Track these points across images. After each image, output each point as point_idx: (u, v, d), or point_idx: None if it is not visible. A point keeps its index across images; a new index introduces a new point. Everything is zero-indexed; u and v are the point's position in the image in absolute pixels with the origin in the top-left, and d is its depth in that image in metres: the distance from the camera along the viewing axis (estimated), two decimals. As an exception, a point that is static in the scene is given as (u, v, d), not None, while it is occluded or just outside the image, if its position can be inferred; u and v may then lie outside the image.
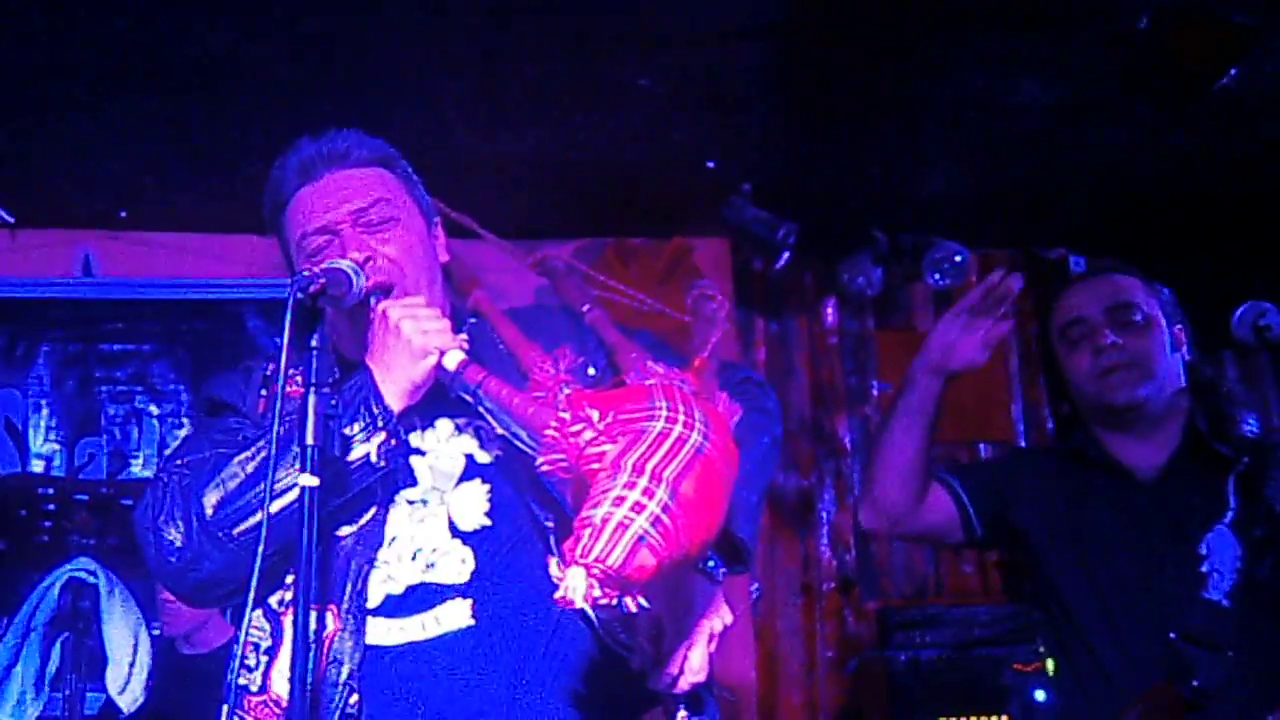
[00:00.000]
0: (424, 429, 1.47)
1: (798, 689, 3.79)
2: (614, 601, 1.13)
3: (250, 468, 1.35)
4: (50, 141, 3.15)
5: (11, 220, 3.65)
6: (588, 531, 1.12)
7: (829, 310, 3.97)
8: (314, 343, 1.25)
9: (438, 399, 1.43)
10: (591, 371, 1.53)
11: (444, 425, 1.49)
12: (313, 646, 1.22)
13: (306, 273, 1.29)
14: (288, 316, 1.24)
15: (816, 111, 2.91)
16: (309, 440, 1.21)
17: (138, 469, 3.67)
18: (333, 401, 1.27)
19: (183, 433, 3.70)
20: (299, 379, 1.51)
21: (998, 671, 3.28)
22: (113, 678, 2.01)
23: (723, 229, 3.46)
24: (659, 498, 1.15)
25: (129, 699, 2.02)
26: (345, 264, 1.35)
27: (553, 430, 1.26)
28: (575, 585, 1.11)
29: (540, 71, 2.66)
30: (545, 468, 1.27)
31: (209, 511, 1.33)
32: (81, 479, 3.02)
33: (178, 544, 1.35)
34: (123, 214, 3.63)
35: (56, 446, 3.65)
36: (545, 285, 2.39)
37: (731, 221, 3.08)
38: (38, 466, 3.64)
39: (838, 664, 3.79)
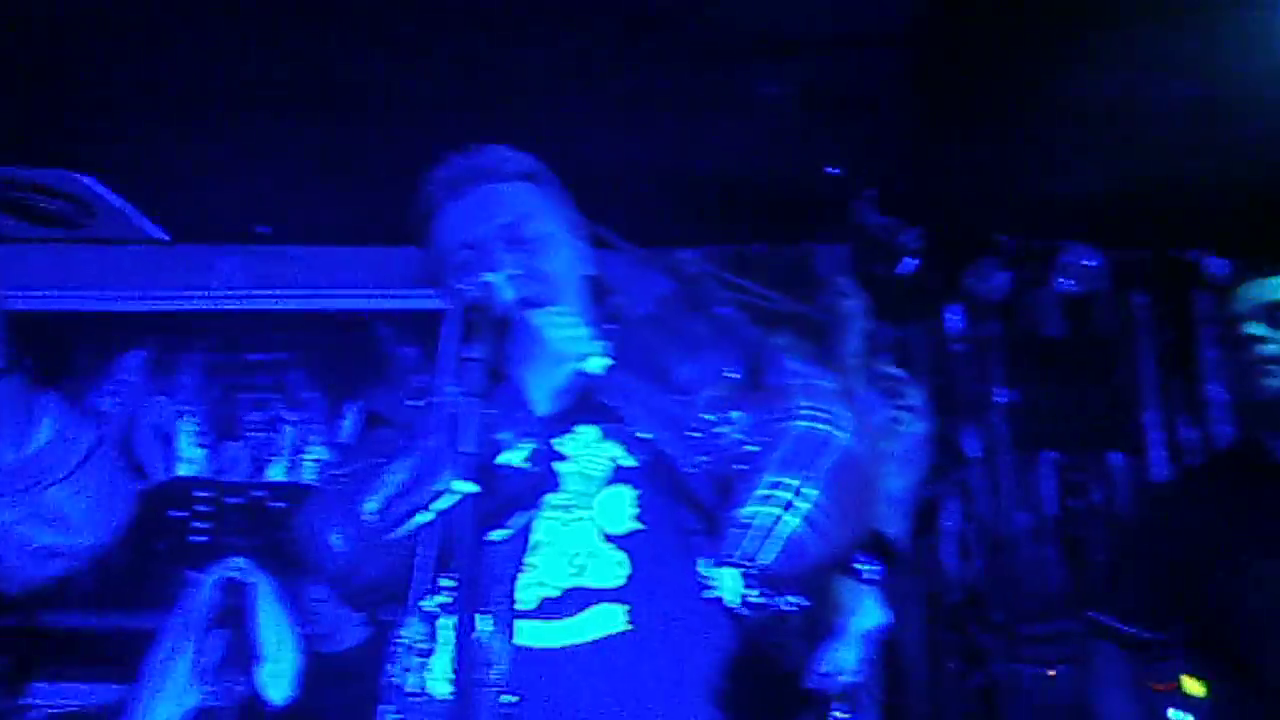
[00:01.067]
0: (568, 435, 1.51)
1: (922, 700, 3.73)
2: (768, 601, 1.14)
3: (405, 476, 1.40)
4: (200, 162, 3.31)
5: (167, 239, 3.85)
6: (738, 531, 1.14)
7: (953, 316, 3.90)
8: (470, 354, 1.29)
9: (581, 405, 1.47)
10: (731, 374, 1.55)
11: (588, 431, 1.52)
12: (470, 648, 1.25)
13: (464, 286, 1.33)
14: (448, 328, 1.29)
15: (945, 114, 2.87)
16: (466, 448, 1.25)
17: (276, 473, 3.83)
18: (488, 411, 1.31)
19: (317, 438, 3.85)
20: (451, 389, 1.58)
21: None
22: (264, 672, 2.10)
23: (843, 235, 3.45)
24: (809, 495, 1.16)
25: (279, 693, 2.10)
26: (497, 277, 1.40)
27: (698, 432, 1.28)
28: (728, 585, 1.13)
29: (671, 83, 2.69)
30: (691, 469, 1.29)
31: (369, 516, 1.39)
32: (235, 482, 3.15)
33: (339, 549, 1.41)
34: (264, 230, 3.80)
35: (202, 451, 3.84)
36: (668, 293, 2.42)
37: (854, 227, 3.06)
38: (185, 470, 3.83)
39: (962, 676, 3.71)
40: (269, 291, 3.89)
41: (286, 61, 2.74)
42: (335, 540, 1.40)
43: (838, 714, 1.44)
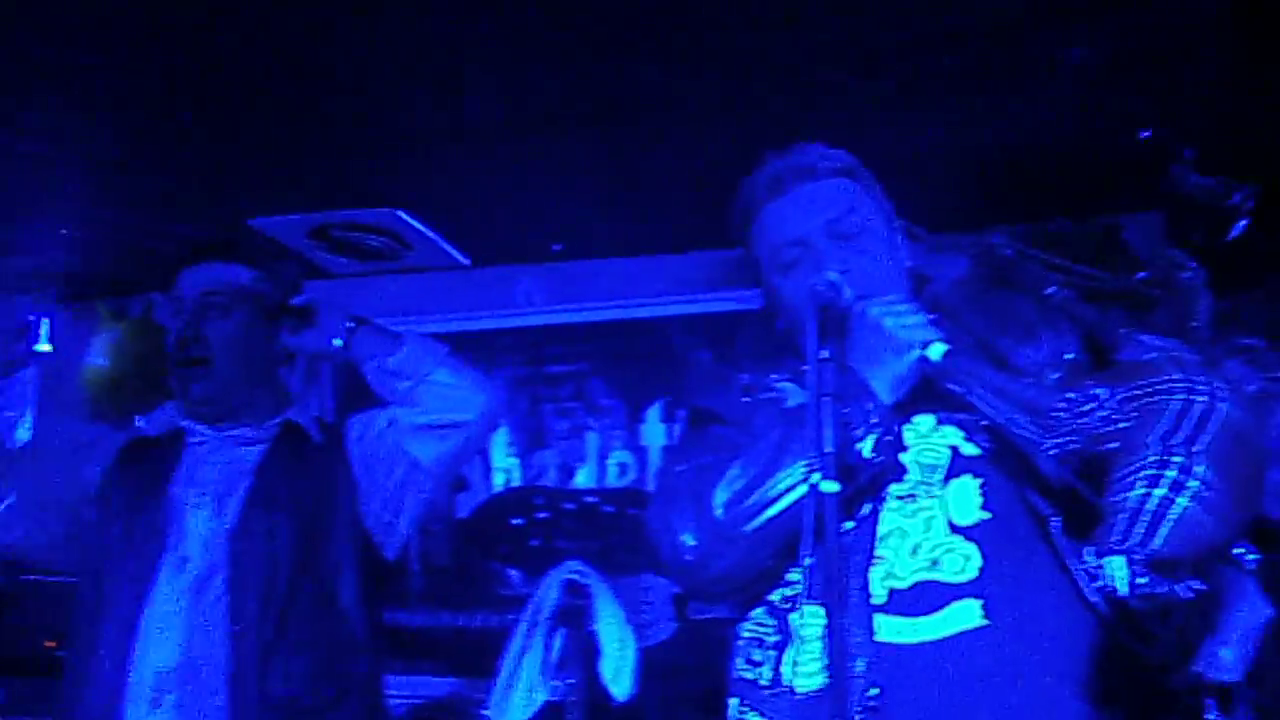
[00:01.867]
0: (907, 424, 1.49)
1: None
2: (1160, 588, 1.08)
3: (753, 470, 1.42)
4: (497, 188, 3.52)
5: (467, 263, 4.12)
6: (1124, 516, 1.08)
7: (1286, 282, 3.54)
8: (823, 352, 1.30)
9: (921, 394, 1.44)
10: (1068, 355, 1.48)
11: (924, 420, 1.49)
12: (836, 641, 1.26)
13: (819, 285, 1.35)
14: (811, 330, 1.31)
15: (1271, 57, 2.62)
16: (828, 447, 1.26)
17: (583, 478, 4.01)
18: (846, 409, 1.32)
19: (619, 443, 4.01)
20: (785, 384, 1.60)
21: None
22: (607, 667, 2.19)
23: (1156, 203, 3.21)
24: (1198, 474, 1.09)
25: (622, 688, 2.19)
26: (832, 275, 1.41)
27: (1060, 411, 1.23)
28: (1117, 574, 1.07)
29: (960, 60, 2.60)
30: (1053, 451, 1.24)
31: (719, 511, 1.42)
32: (570, 489, 3.33)
33: (690, 543, 1.44)
34: (557, 247, 3.99)
35: (514, 461, 4.07)
36: (984, 277, 2.33)
37: (1171, 193, 2.84)
38: (499, 480, 4.08)
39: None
40: (566, 305, 4.08)
41: (570, 83, 2.87)
42: (686, 537, 1.44)
43: (1210, 716, 1.33)
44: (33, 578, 3.37)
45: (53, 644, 3.45)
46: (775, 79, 2.81)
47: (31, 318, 4.52)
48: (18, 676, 3.50)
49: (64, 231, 3.93)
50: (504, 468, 4.08)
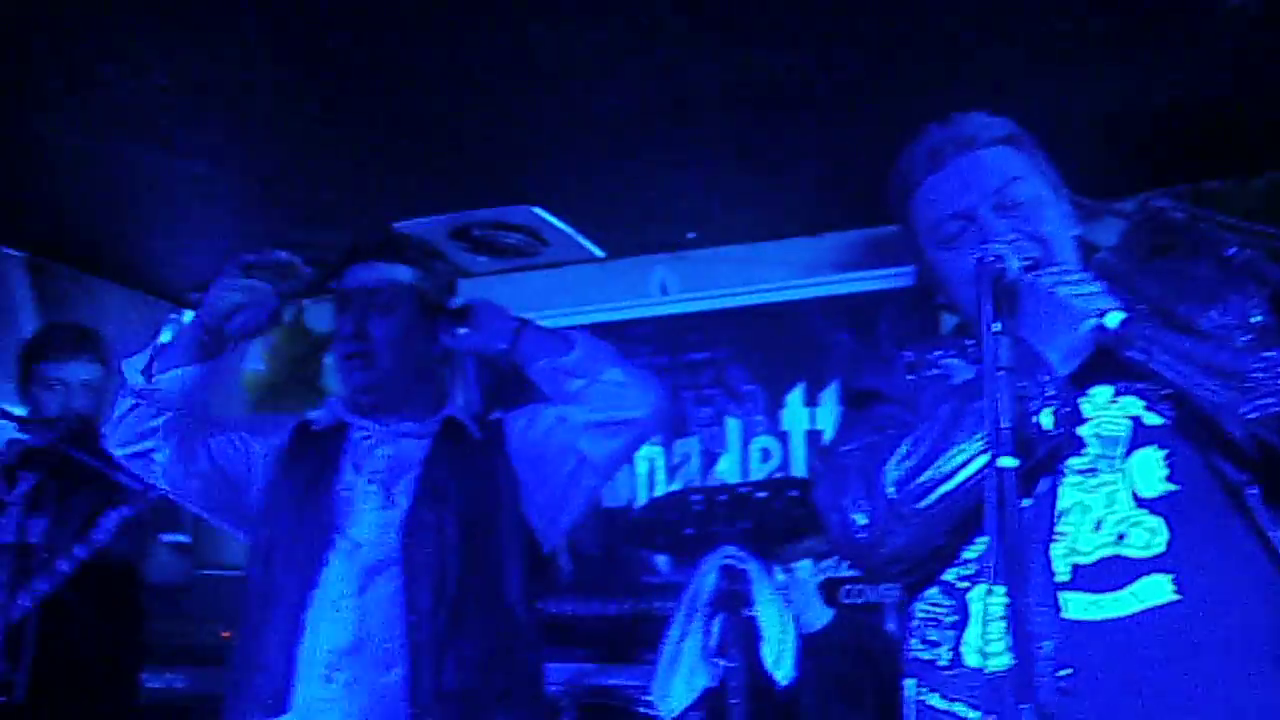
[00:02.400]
0: (1084, 396, 1.44)
1: None
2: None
3: (925, 447, 1.40)
4: (632, 178, 3.55)
5: (602, 255, 4.17)
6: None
7: None
8: (996, 326, 1.27)
9: (1099, 364, 1.40)
10: (1256, 317, 1.41)
11: (1102, 392, 1.45)
12: (1022, 621, 1.22)
13: (987, 257, 1.32)
14: (983, 303, 1.28)
15: None
16: (1005, 423, 1.23)
17: (726, 465, 4.01)
18: (1022, 383, 1.28)
19: (761, 428, 4.00)
20: (950, 360, 1.57)
21: None
22: (768, 652, 2.19)
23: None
24: None
25: (783, 671, 2.19)
26: (1000, 246, 1.38)
27: (1258, 373, 1.18)
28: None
29: (1108, 20, 2.51)
30: (1252, 415, 1.19)
31: (891, 490, 1.40)
32: (723, 484, 3.36)
33: (862, 522, 1.43)
34: (691, 235, 4.00)
35: (657, 449, 4.11)
36: (1154, 240, 2.24)
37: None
38: (642, 468, 4.12)
39: None
40: (702, 292, 4.08)
41: (701, 71, 2.87)
42: (858, 516, 1.43)
43: None
44: (208, 571, 3.55)
45: (228, 634, 3.64)
46: (916, 51, 2.75)
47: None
48: (197, 665, 3.70)
49: (223, 244, 4.13)
50: (647, 456, 4.11)
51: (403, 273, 2.02)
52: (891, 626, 3.61)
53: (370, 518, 1.92)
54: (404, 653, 1.82)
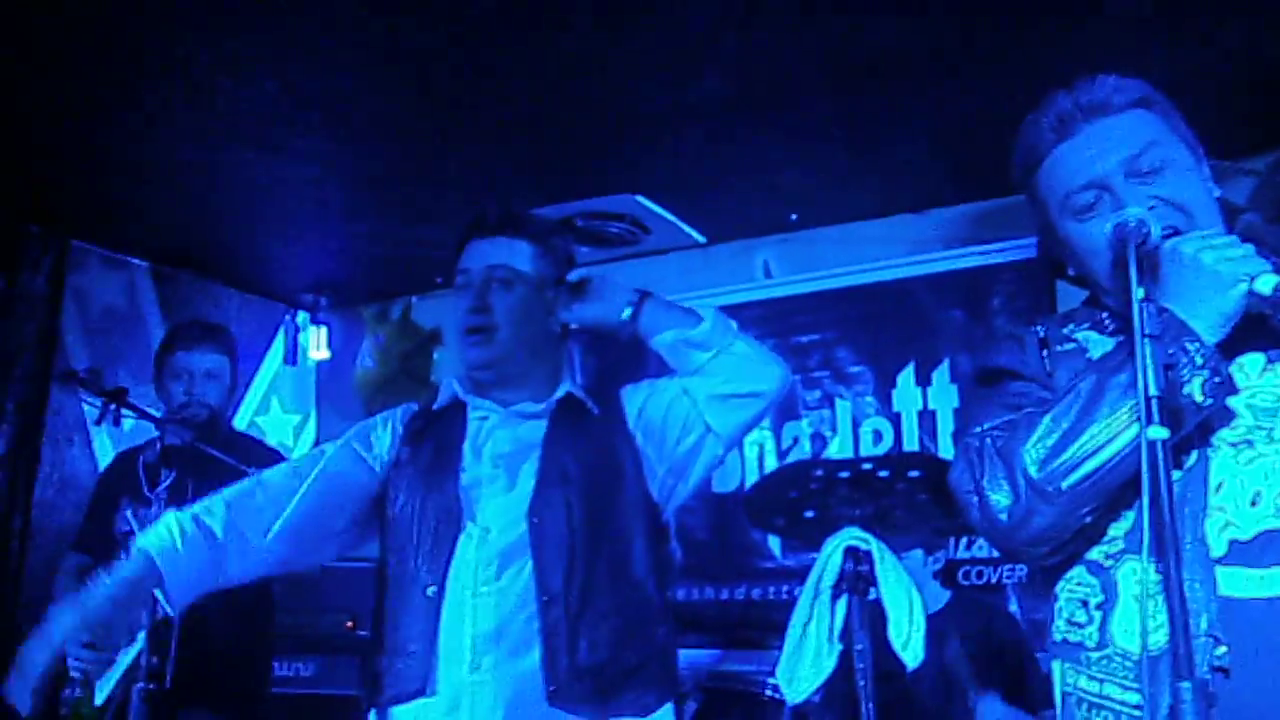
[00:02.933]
0: (1234, 365, 1.39)
1: None
2: None
3: (1067, 423, 1.36)
4: (732, 162, 3.53)
5: (703, 240, 4.16)
6: None
7: None
8: (1141, 294, 1.23)
9: (1250, 331, 1.35)
10: None
11: (1253, 360, 1.39)
12: (1177, 598, 1.19)
13: (1131, 223, 1.28)
14: (1131, 269, 1.24)
15: None
16: (1154, 392, 1.19)
17: (835, 447, 3.97)
18: (1170, 351, 1.24)
19: (872, 409, 3.95)
20: (1085, 334, 1.52)
21: None
22: (895, 634, 2.17)
23: None
24: None
25: (912, 654, 2.16)
26: (1139, 211, 1.33)
27: None
28: None
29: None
30: None
31: (1033, 469, 1.37)
32: (843, 460, 3.32)
33: (1005, 503, 1.39)
34: (793, 217, 3.96)
35: (767, 433, 4.09)
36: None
37: None
38: (751, 452, 4.11)
39: None
40: (807, 274, 4.04)
41: (800, 50, 2.83)
42: (1000, 498, 1.40)
43: None
44: (333, 564, 3.65)
45: (351, 624, 3.75)
46: (1019, 17, 2.68)
47: (298, 325, 4.88)
48: (323, 654, 3.82)
49: (331, 244, 4.24)
50: (756, 440, 4.10)
51: (522, 248, 2.04)
52: (1013, 608, 3.54)
53: (496, 502, 1.94)
54: (540, 634, 1.84)
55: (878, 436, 3.92)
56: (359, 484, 2.04)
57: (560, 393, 2.05)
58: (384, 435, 2.08)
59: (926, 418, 3.79)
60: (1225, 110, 2.89)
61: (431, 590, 1.88)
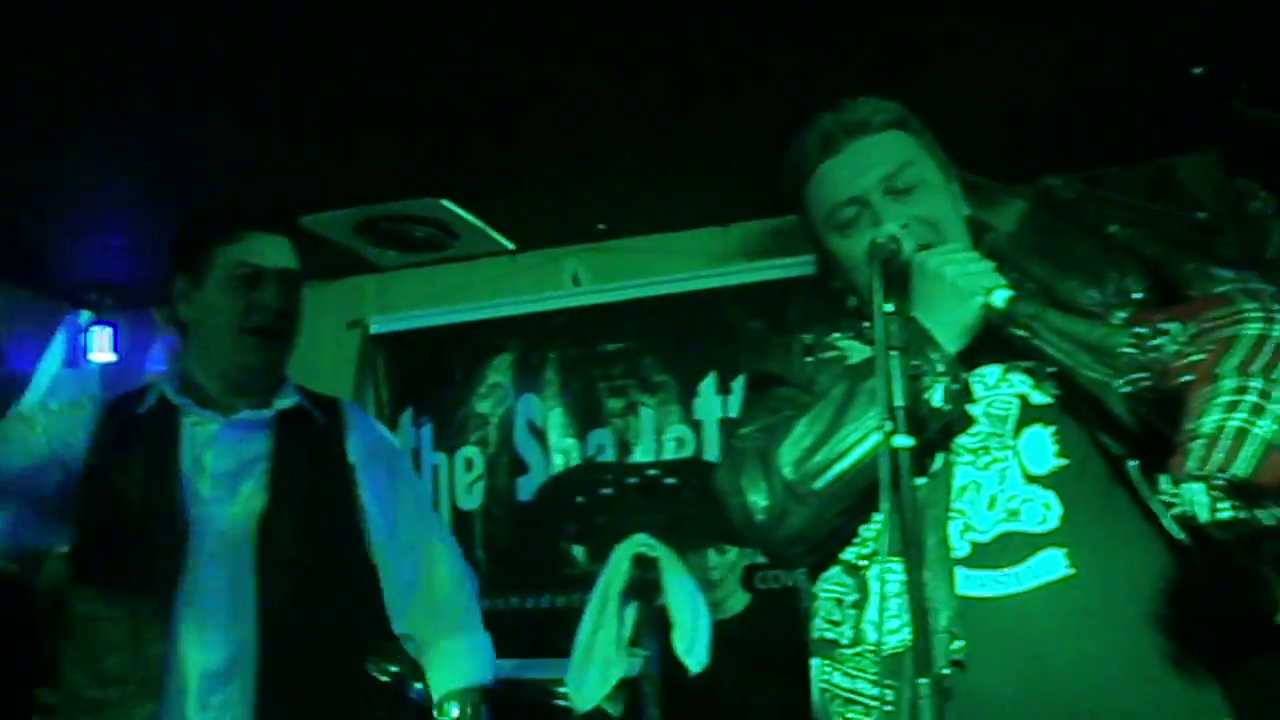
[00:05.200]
0: (973, 375, 1.47)
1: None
2: (1243, 515, 1.06)
3: (820, 427, 1.41)
4: (541, 172, 3.52)
5: (513, 247, 4.13)
6: (1200, 443, 1.06)
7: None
8: (887, 307, 1.29)
9: (981, 343, 1.42)
10: (1136, 294, 1.45)
11: (991, 371, 1.47)
12: (916, 598, 1.24)
13: (880, 239, 1.34)
14: (874, 284, 1.29)
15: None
16: (897, 401, 1.24)
17: (641, 455, 4.01)
18: (915, 362, 1.30)
19: (674, 417, 4.01)
20: (847, 342, 1.58)
21: None
22: (680, 640, 2.20)
23: (1211, 142, 3.15)
24: (1277, 399, 1.07)
25: (696, 661, 2.20)
26: (892, 228, 1.40)
27: (1130, 348, 1.21)
28: (1196, 500, 1.05)
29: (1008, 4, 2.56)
30: (1125, 390, 1.22)
31: (787, 470, 1.41)
32: (632, 464, 3.34)
33: (761, 504, 1.43)
34: (601, 227, 3.98)
35: (572, 441, 4.09)
36: (1042, 222, 2.29)
37: (1230, 128, 2.78)
38: (558, 460, 4.10)
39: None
40: (614, 284, 4.07)
41: (603, 66, 2.85)
42: (757, 498, 1.43)
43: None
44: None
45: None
46: (814, 37, 2.77)
47: (80, 325, 4.59)
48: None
49: (116, 242, 4.00)
50: (562, 449, 4.10)
51: (291, 247, 1.97)
52: (805, 609, 3.64)
53: (220, 519, 1.83)
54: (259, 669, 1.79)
55: (680, 444, 3.98)
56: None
57: (285, 403, 1.96)
58: (75, 427, 1.90)
59: (727, 426, 3.88)
60: (991, 141, 3.07)
61: (160, 614, 1.76)
